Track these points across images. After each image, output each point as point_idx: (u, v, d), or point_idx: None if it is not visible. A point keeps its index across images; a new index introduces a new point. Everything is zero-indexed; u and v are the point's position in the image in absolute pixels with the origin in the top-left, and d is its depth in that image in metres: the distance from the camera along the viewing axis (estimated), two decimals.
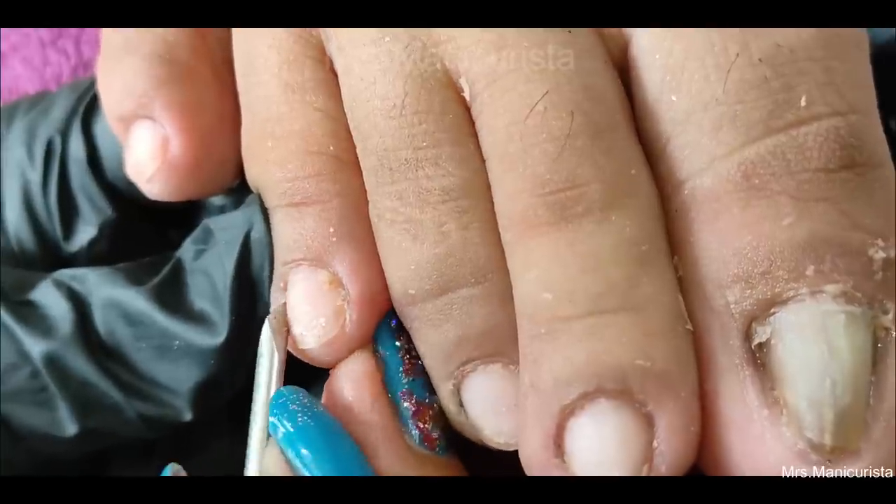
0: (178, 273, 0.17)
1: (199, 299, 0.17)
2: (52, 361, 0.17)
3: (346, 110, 0.16)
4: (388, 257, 0.16)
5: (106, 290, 0.17)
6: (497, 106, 0.15)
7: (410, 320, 0.16)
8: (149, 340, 0.17)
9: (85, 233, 0.21)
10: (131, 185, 0.19)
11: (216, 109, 0.19)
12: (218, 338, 0.17)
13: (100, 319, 0.17)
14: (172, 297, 0.17)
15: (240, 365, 0.17)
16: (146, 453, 0.19)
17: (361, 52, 0.16)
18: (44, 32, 0.26)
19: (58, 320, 0.17)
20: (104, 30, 0.19)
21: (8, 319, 0.17)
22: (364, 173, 0.16)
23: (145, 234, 0.22)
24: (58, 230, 0.21)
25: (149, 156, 0.18)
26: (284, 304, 0.17)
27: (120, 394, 0.17)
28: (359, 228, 0.16)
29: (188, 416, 0.17)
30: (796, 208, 0.14)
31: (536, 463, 0.14)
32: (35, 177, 0.21)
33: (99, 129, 0.21)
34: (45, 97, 0.22)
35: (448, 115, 0.15)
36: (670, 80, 0.14)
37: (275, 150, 0.17)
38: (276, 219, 0.17)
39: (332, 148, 0.16)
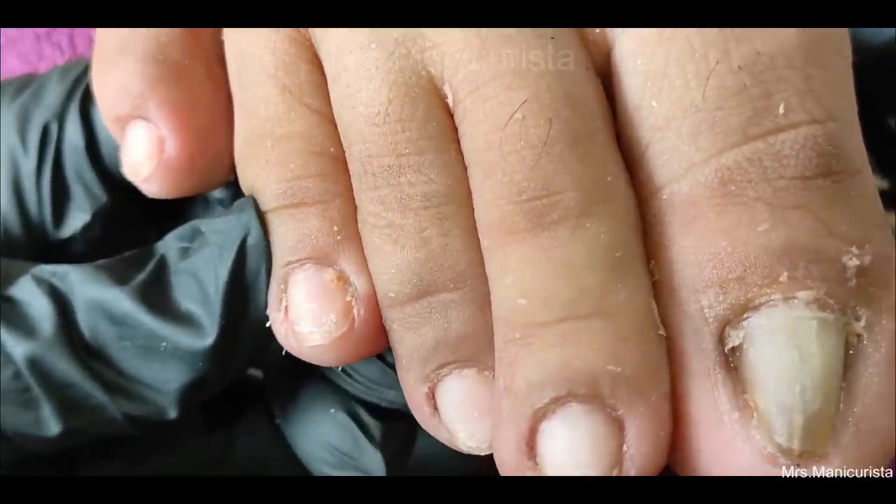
0: (162, 271, 0.17)
1: (185, 300, 0.17)
2: (34, 363, 0.17)
3: (335, 116, 0.16)
4: (371, 260, 0.16)
5: (89, 289, 0.17)
6: (478, 113, 0.15)
7: (390, 322, 0.16)
8: (134, 340, 0.17)
9: (77, 219, 0.21)
10: None
11: (211, 107, 0.19)
12: (206, 339, 0.17)
13: (83, 319, 0.17)
14: (158, 297, 0.17)
15: (228, 366, 0.17)
16: (114, 447, 0.19)
17: (348, 59, 0.16)
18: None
19: (39, 320, 0.17)
20: (97, 31, 0.19)
21: None
22: (351, 178, 0.16)
23: (139, 221, 0.22)
24: (47, 217, 0.21)
25: (145, 156, 0.18)
26: None
27: (104, 394, 0.17)
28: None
29: (174, 413, 0.17)
30: (772, 215, 0.14)
31: (510, 464, 0.15)
32: (28, 164, 0.20)
33: (97, 115, 0.21)
34: (33, 80, 0.22)
35: (431, 122, 0.15)
36: (651, 86, 0.14)
37: (275, 149, 0.17)
38: (277, 220, 0.17)
39: (332, 149, 0.17)
